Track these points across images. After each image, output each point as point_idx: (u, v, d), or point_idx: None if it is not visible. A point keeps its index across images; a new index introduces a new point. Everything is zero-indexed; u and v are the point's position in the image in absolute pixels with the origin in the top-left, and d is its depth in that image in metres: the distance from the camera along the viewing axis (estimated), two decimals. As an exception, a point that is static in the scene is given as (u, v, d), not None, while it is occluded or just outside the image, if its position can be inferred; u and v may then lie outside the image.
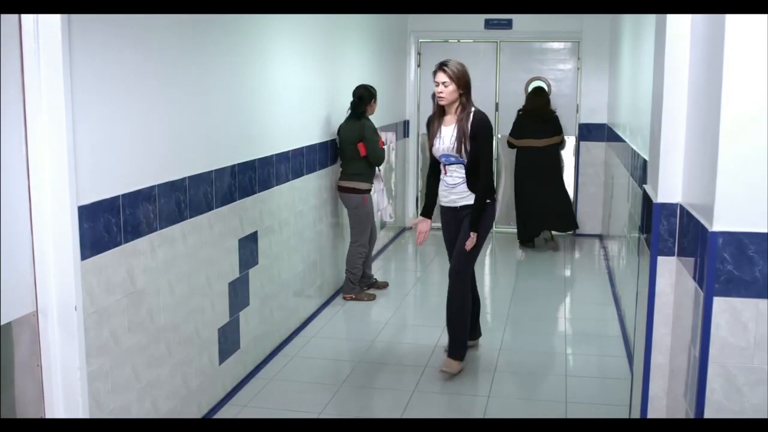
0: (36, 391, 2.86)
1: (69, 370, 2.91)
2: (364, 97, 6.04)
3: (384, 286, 6.57)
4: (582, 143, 8.71)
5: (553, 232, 8.39)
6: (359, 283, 6.29)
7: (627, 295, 5.32)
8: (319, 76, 5.86)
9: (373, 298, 6.24)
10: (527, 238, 8.18)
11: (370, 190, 6.12)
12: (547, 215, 8.01)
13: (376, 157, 6.03)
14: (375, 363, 4.97)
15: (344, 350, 5.19)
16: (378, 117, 7.63)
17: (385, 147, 6.34)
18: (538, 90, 8.34)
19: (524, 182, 8.07)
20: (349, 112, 6.07)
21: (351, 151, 5.97)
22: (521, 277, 7.19)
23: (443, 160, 4.65)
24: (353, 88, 6.26)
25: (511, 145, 8.20)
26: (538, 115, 8.05)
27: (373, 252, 7.67)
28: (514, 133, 8.15)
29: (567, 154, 8.68)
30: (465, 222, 4.69)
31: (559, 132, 8.10)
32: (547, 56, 9.00)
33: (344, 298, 6.18)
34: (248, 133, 4.52)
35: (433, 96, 4.63)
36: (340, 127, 6.11)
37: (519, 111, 8.22)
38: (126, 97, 3.25)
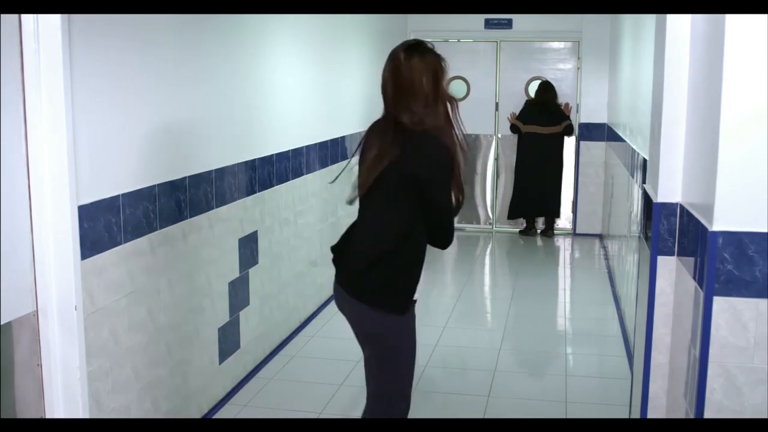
0: (36, 391, 2.86)
1: (69, 370, 2.91)
2: None
3: None
4: (582, 143, 8.71)
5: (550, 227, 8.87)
6: None
7: (627, 294, 5.32)
8: (319, 75, 5.86)
9: None
10: (515, 216, 8.83)
11: None
12: (536, 201, 8.65)
13: None
14: (375, 363, 4.96)
15: (344, 350, 5.19)
16: (378, 116, 7.63)
17: None
18: (547, 85, 8.63)
19: (524, 166, 8.67)
20: None
21: None
22: (521, 277, 7.19)
23: None
24: (353, 88, 6.26)
25: (515, 129, 8.69)
26: (545, 106, 8.51)
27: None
28: (520, 117, 8.68)
29: (567, 154, 8.70)
30: None
31: (565, 119, 8.52)
32: (547, 56, 9.00)
33: None
34: (248, 133, 4.52)
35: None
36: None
37: (527, 100, 8.76)
38: (126, 96, 3.25)
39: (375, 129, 2.80)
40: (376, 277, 2.72)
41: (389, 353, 2.84)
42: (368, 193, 2.72)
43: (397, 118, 2.67)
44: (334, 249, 2.95)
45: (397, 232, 2.70)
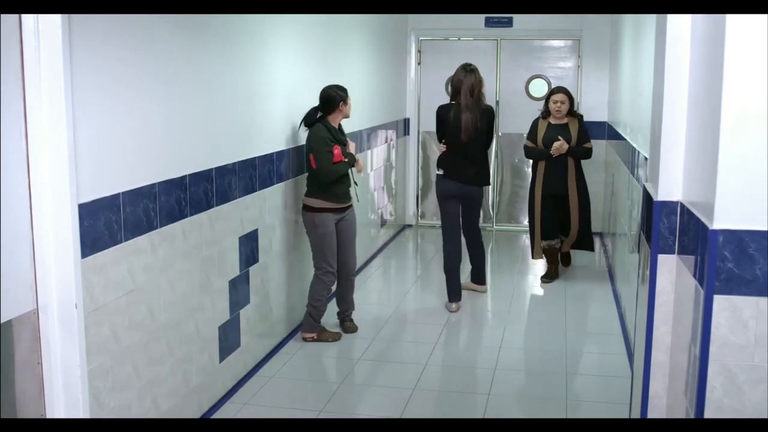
0: (36, 390, 2.86)
1: (69, 368, 2.92)
2: (332, 99, 5.09)
3: (353, 329, 5.47)
4: (582, 141, 8.70)
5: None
6: (340, 316, 5.49)
7: (627, 293, 5.32)
8: (320, 73, 5.86)
9: (338, 337, 5.28)
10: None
11: (327, 209, 5.11)
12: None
13: (324, 172, 5.01)
14: (375, 361, 4.97)
15: (344, 348, 5.19)
16: (379, 115, 7.64)
17: (346, 160, 5.15)
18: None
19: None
20: (313, 113, 5.15)
21: (305, 161, 5.16)
22: (521, 276, 7.19)
23: None
24: (353, 87, 6.22)
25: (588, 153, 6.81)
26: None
27: (375, 250, 7.68)
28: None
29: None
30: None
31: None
32: (548, 54, 8.99)
33: (303, 338, 5.20)
34: (249, 131, 4.52)
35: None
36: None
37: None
38: (126, 94, 3.25)
39: (455, 108, 5.90)
40: (484, 174, 6.06)
41: (480, 204, 6.23)
42: (469, 139, 5.86)
43: (467, 103, 5.83)
44: (442, 166, 6.04)
45: (486, 152, 6.07)
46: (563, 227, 6.72)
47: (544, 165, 6.58)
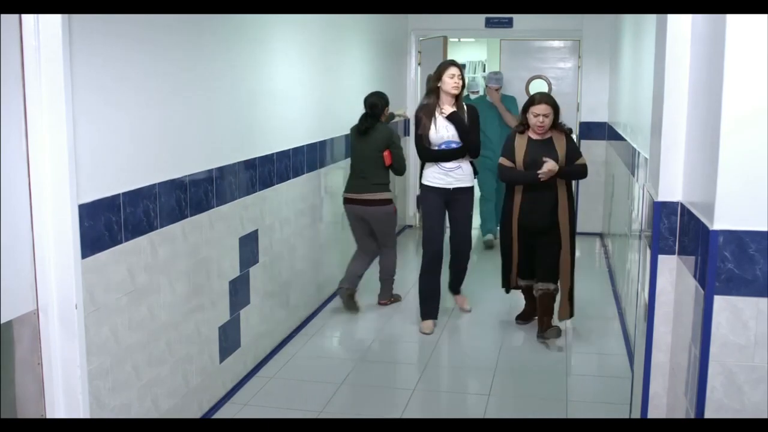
0: (36, 390, 2.86)
1: (69, 368, 2.92)
2: (378, 104, 5.77)
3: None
4: (582, 141, 8.70)
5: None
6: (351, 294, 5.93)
7: (627, 293, 5.31)
8: (319, 74, 5.86)
9: (400, 298, 6.26)
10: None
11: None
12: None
13: (404, 166, 5.84)
14: (375, 361, 4.97)
15: (344, 349, 5.19)
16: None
17: None
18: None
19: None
20: (365, 119, 5.71)
21: (376, 159, 5.69)
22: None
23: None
24: (353, 87, 6.23)
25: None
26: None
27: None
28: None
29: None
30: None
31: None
32: (548, 54, 9.00)
33: (381, 304, 6.06)
34: (249, 132, 4.52)
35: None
36: (353, 133, 5.83)
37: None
38: (126, 94, 3.25)
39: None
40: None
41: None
42: None
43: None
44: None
45: None
46: (545, 269, 5.24)
47: (522, 190, 5.09)
